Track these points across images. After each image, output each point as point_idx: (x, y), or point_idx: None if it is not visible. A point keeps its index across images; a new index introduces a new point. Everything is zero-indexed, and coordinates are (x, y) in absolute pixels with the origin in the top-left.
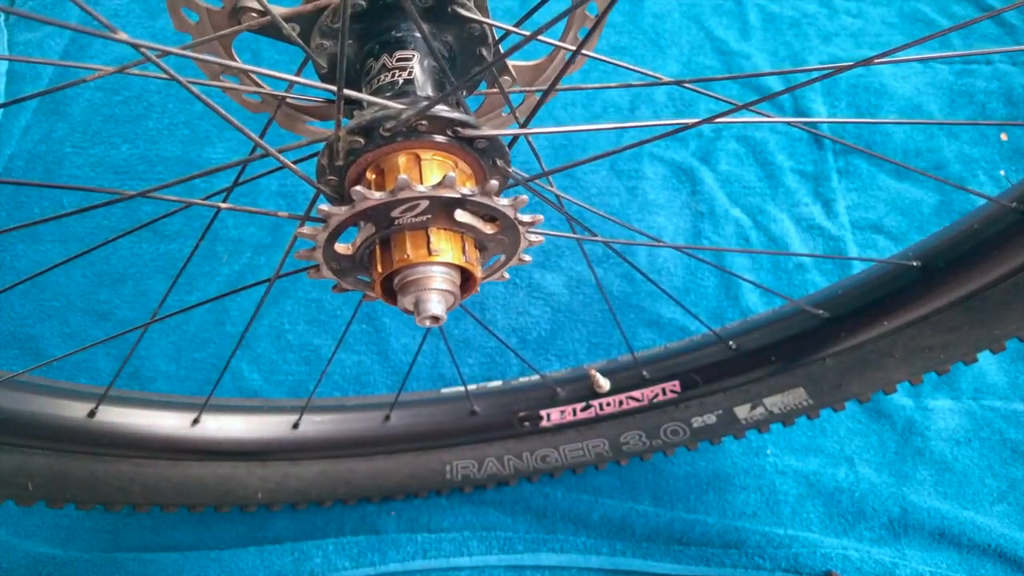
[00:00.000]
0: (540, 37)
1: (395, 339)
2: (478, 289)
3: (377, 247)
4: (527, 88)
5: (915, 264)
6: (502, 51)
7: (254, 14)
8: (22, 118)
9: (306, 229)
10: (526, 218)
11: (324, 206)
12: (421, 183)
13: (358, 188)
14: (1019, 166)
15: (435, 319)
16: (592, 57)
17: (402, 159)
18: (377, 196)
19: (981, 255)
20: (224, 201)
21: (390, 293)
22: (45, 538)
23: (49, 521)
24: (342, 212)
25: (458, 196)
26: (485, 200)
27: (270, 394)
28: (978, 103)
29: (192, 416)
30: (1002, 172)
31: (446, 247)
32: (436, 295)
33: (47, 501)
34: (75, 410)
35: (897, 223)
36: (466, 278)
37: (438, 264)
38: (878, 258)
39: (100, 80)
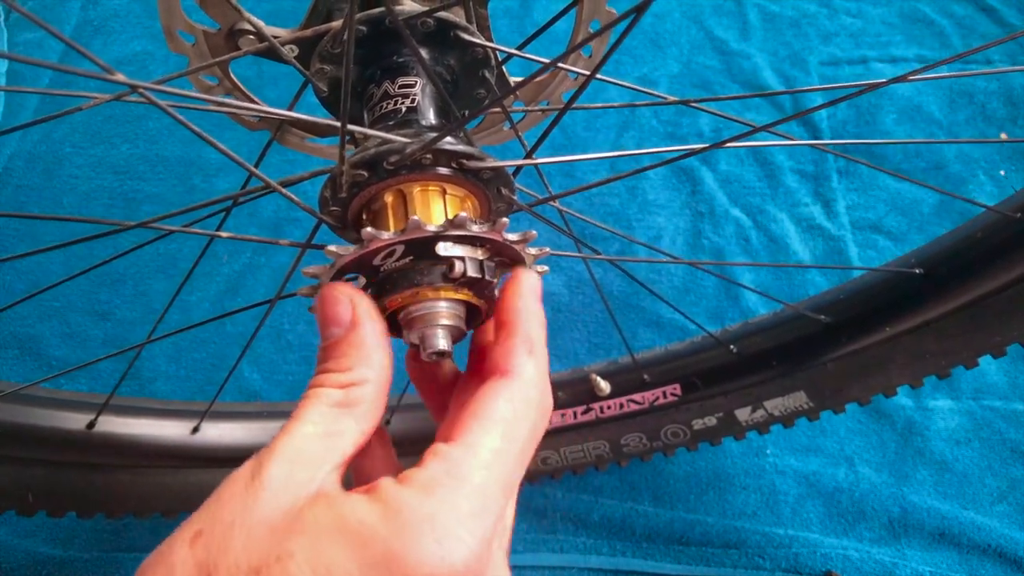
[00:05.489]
0: (560, 65)
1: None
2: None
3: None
4: (530, 108)
5: (918, 271)
6: (505, 72)
7: (252, 37)
8: (22, 118)
9: (310, 269)
10: (513, 236)
11: (332, 247)
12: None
13: (332, 248)
14: (1019, 166)
15: (441, 354)
16: (603, 80)
17: (389, 197)
18: (352, 249)
19: (984, 264)
20: (219, 228)
21: (396, 327)
22: (45, 538)
23: (49, 521)
24: (347, 252)
25: (430, 235)
26: (460, 232)
27: (270, 394)
28: (978, 103)
29: (192, 424)
30: (1002, 172)
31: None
32: (441, 331)
33: (48, 511)
34: (74, 422)
35: (897, 223)
36: (473, 310)
37: (443, 300)
38: (881, 266)
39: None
